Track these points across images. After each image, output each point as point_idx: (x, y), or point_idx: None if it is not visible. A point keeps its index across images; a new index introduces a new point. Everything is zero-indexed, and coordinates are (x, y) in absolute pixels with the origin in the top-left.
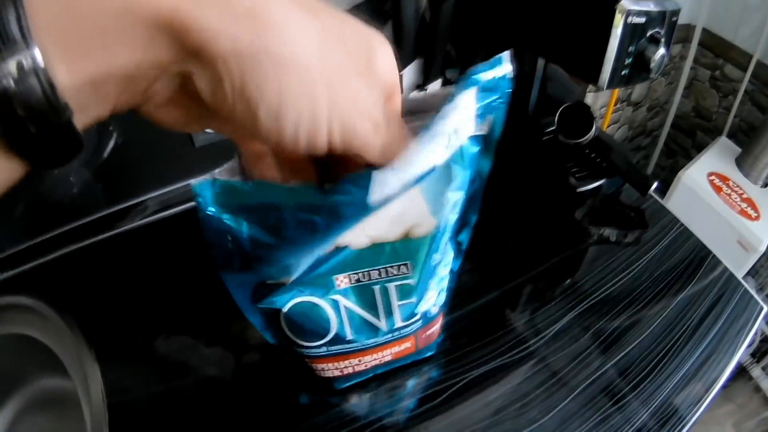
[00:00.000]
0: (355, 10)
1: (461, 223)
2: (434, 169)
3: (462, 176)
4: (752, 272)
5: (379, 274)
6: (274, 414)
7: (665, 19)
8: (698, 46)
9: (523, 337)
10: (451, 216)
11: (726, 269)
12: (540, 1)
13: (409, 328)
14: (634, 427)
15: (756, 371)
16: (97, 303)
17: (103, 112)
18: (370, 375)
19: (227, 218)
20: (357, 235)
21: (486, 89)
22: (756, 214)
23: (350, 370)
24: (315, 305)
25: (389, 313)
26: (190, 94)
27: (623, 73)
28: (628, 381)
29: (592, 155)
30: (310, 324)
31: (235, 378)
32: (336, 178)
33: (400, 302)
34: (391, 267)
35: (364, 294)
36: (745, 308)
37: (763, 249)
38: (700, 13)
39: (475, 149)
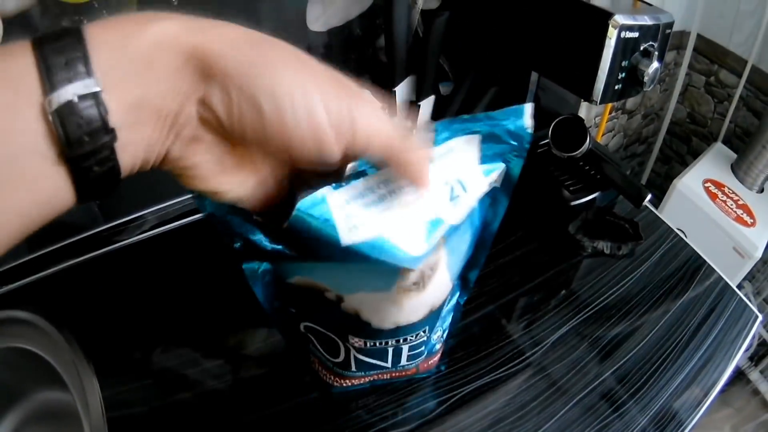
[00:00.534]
0: (348, 26)
1: (471, 264)
2: (454, 229)
3: (471, 229)
4: (749, 277)
5: (396, 342)
6: (273, 426)
7: (659, 32)
8: (693, 52)
9: (520, 349)
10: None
11: (721, 278)
12: (533, 15)
13: (413, 364)
14: None
15: (754, 375)
16: (95, 317)
17: (139, 151)
18: (368, 386)
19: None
20: (381, 319)
21: (493, 137)
22: (752, 221)
23: (347, 383)
24: (329, 336)
25: (397, 360)
26: (209, 124)
27: (617, 87)
28: (627, 388)
29: (586, 168)
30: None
31: (234, 390)
32: None
33: (410, 353)
34: (411, 336)
35: (377, 352)
36: (740, 316)
37: (759, 255)
38: (694, 20)
39: (486, 201)
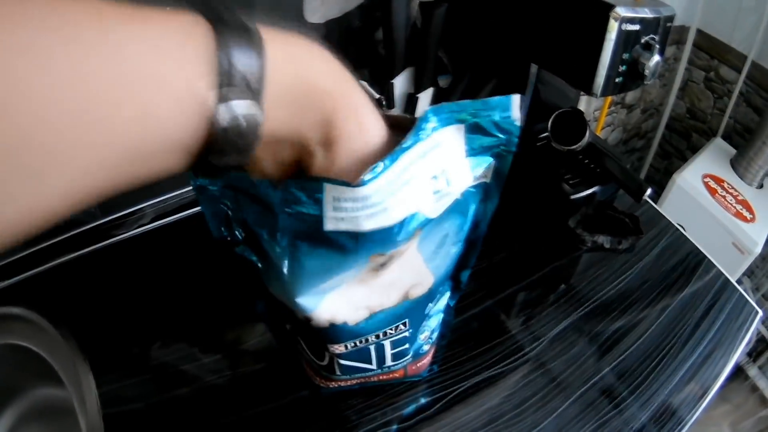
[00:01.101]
0: (346, 18)
1: (461, 265)
2: (428, 221)
3: (460, 227)
4: (747, 272)
5: (377, 337)
6: (269, 422)
7: (660, 24)
8: (693, 48)
9: (519, 345)
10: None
11: (721, 274)
12: (533, 7)
13: (399, 365)
14: (634, 430)
15: (752, 371)
16: (92, 312)
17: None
18: (357, 387)
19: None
20: (354, 309)
21: (479, 129)
22: (751, 216)
23: (334, 384)
24: (312, 340)
25: (381, 360)
26: (295, 162)
27: (617, 80)
28: (627, 384)
29: (586, 161)
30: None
31: (232, 386)
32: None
33: (393, 350)
34: (390, 329)
35: (359, 353)
36: (740, 312)
37: (758, 251)
38: (695, 15)
39: (476, 198)
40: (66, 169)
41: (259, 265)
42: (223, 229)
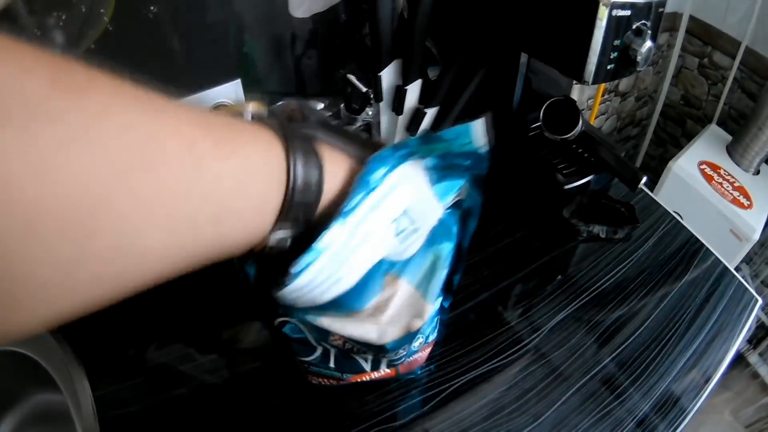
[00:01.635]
0: (332, 11)
1: (451, 272)
2: (409, 261)
3: (448, 250)
4: (746, 259)
5: (375, 355)
6: (266, 421)
7: (651, 10)
8: (686, 34)
9: (517, 337)
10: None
11: (719, 261)
12: None
13: (392, 364)
14: (636, 419)
15: (753, 358)
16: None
17: None
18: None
19: None
20: (350, 334)
21: (444, 158)
22: (748, 203)
23: (326, 382)
24: (305, 338)
25: (377, 364)
26: None
27: (609, 67)
28: (628, 374)
29: (579, 150)
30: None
31: (228, 387)
32: None
33: (385, 363)
34: (391, 354)
35: (351, 357)
36: (740, 300)
37: (756, 238)
38: (687, 1)
39: (455, 217)
40: (170, 255)
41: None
42: None
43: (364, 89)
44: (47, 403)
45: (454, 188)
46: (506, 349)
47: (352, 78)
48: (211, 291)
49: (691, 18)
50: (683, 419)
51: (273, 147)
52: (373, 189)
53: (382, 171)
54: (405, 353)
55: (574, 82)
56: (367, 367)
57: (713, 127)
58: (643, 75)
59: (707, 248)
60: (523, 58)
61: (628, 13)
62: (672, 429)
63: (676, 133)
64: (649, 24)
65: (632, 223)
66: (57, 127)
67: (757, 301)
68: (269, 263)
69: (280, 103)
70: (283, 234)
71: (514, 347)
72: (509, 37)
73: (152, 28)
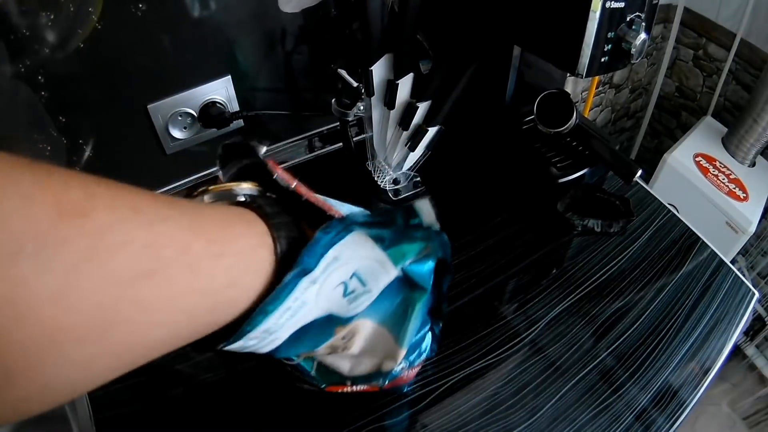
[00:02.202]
0: (322, 5)
1: (436, 304)
2: (373, 303)
3: (423, 298)
4: (742, 251)
5: (351, 381)
6: (267, 417)
7: (645, 2)
8: (680, 26)
9: (513, 332)
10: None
11: (716, 255)
12: None
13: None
14: (634, 412)
15: (750, 350)
16: None
17: None
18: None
19: None
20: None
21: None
22: (744, 195)
23: (308, 387)
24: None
25: (354, 383)
26: None
27: (603, 60)
28: (626, 368)
29: (574, 143)
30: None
31: (225, 387)
32: None
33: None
34: (365, 384)
35: (330, 374)
36: (736, 294)
37: (752, 230)
38: None
39: (428, 267)
40: (166, 341)
41: None
42: None
43: (356, 84)
44: None
45: (412, 251)
46: (503, 344)
47: (343, 73)
48: None
49: (686, 10)
50: (682, 412)
51: (262, 237)
52: (311, 270)
53: (320, 250)
54: (382, 382)
55: (568, 74)
56: (346, 384)
57: (708, 119)
58: (638, 67)
59: (703, 241)
60: (516, 50)
61: (621, 5)
62: (671, 422)
63: (670, 125)
64: (643, 16)
65: (627, 216)
66: (66, 251)
67: (753, 294)
68: None
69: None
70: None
71: (510, 342)
72: (502, 29)
73: (141, 27)
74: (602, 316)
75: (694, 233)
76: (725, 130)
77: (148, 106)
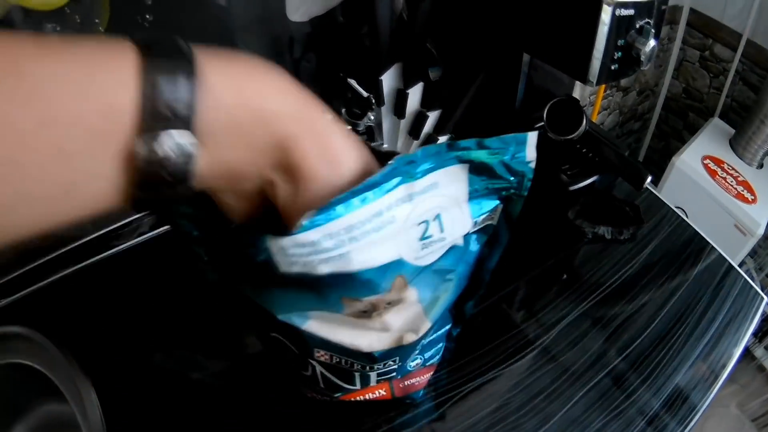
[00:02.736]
0: (330, 14)
1: (464, 298)
2: (424, 269)
3: (462, 274)
4: (751, 253)
5: (363, 368)
6: (279, 425)
7: (654, 8)
8: (686, 27)
9: (526, 340)
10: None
11: (725, 259)
12: None
13: (382, 379)
14: (646, 418)
15: (759, 351)
16: (92, 326)
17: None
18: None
19: None
20: (340, 339)
21: (486, 170)
22: (752, 197)
23: (319, 398)
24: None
25: (366, 380)
26: (261, 195)
27: (613, 67)
28: (638, 374)
29: (584, 150)
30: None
31: (240, 394)
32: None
33: (379, 378)
34: (379, 364)
35: (343, 372)
36: (746, 299)
37: (761, 232)
38: None
39: (479, 242)
40: None
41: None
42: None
43: (366, 94)
44: (55, 415)
45: (488, 209)
46: (517, 351)
47: (353, 82)
48: (218, 297)
49: (692, 11)
50: (693, 416)
51: (121, 51)
52: (413, 180)
53: (426, 165)
54: (395, 366)
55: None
56: (357, 385)
57: (716, 121)
58: (645, 69)
59: (712, 246)
60: (526, 57)
61: (631, 12)
62: (682, 426)
63: (678, 126)
64: (652, 22)
65: (637, 223)
66: None
67: (763, 299)
68: (219, 244)
69: None
70: (166, 141)
71: (524, 350)
72: (511, 37)
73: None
74: (614, 323)
75: (703, 238)
76: (733, 131)
77: None
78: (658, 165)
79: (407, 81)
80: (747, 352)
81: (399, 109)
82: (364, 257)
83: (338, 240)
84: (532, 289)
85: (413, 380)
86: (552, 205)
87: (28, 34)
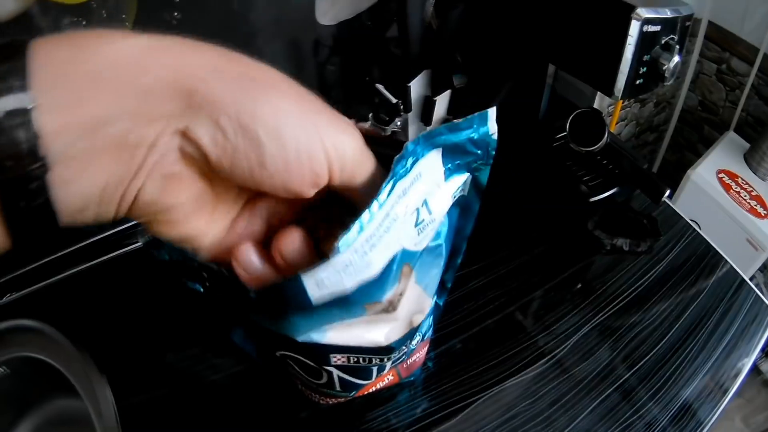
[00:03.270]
0: (358, 18)
1: (446, 269)
2: (421, 253)
3: (444, 246)
4: (761, 267)
5: (381, 360)
6: (284, 425)
7: (678, 24)
8: (704, 40)
9: (541, 351)
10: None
11: (738, 274)
12: (551, 7)
13: (395, 364)
14: None
15: (765, 366)
16: (106, 322)
17: (92, 189)
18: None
19: None
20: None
21: (457, 149)
22: (765, 212)
23: (333, 401)
24: (307, 363)
25: (382, 369)
26: (191, 159)
27: (638, 82)
28: (648, 388)
29: (604, 162)
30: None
31: (247, 394)
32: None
33: (393, 364)
34: (396, 353)
35: (361, 369)
36: (756, 314)
37: None
38: (705, 6)
39: (455, 213)
40: None
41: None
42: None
43: (395, 100)
44: (67, 409)
45: (461, 182)
46: (532, 362)
47: (381, 88)
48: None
49: (710, 24)
50: (701, 431)
51: None
52: (402, 177)
53: (413, 158)
54: (406, 350)
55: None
56: (373, 375)
57: (731, 135)
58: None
59: (726, 261)
60: (550, 69)
61: (657, 28)
62: None
63: (693, 139)
64: (676, 38)
65: (655, 236)
66: None
67: None
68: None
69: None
70: None
71: (539, 360)
72: (539, 49)
73: (175, 35)
74: (628, 335)
75: (717, 253)
76: (747, 145)
77: None
78: (673, 177)
79: (435, 88)
80: (754, 367)
81: (426, 116)
82: (380, 259)
83: (363, 251)
84: (548, 300)
85: (414, 357)
86: (571, 216)
87: None
